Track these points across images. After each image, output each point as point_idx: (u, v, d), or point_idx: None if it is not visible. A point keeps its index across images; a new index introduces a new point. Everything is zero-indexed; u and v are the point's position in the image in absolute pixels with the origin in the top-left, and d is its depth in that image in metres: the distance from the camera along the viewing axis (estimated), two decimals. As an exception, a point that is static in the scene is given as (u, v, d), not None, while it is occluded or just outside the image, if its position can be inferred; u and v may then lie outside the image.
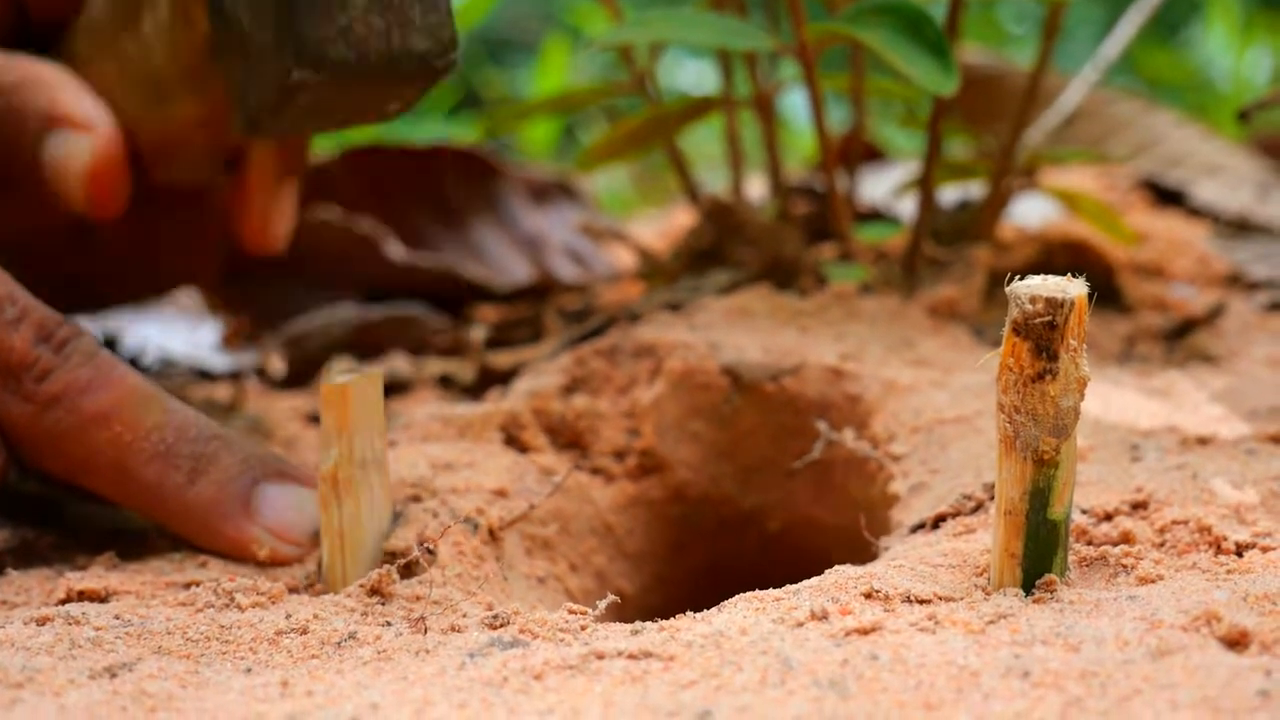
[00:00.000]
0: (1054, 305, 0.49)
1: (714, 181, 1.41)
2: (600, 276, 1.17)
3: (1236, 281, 1.02)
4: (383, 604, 0.58)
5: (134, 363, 0.97)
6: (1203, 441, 0.69)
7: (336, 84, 0.58)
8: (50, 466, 0.64)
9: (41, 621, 0.55)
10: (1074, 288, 0.50)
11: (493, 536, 0.65)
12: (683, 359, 0.78)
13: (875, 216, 1.06)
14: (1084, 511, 0.60)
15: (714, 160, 1.71)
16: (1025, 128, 0.94)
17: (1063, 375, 0.50)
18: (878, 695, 0.45)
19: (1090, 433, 0.69)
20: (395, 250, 1.04)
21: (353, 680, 0.50)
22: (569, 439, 0.77)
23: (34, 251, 0.78)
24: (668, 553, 0.79)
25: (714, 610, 0.54)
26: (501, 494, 0.68)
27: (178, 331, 1.09)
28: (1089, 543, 0.58)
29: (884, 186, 1.12)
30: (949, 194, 1.07)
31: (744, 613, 0.53)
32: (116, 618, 0.56)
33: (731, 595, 0.55)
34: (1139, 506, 0.60)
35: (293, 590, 0.61)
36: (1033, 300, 0.49)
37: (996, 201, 0.95)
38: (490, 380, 0.89)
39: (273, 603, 0.58)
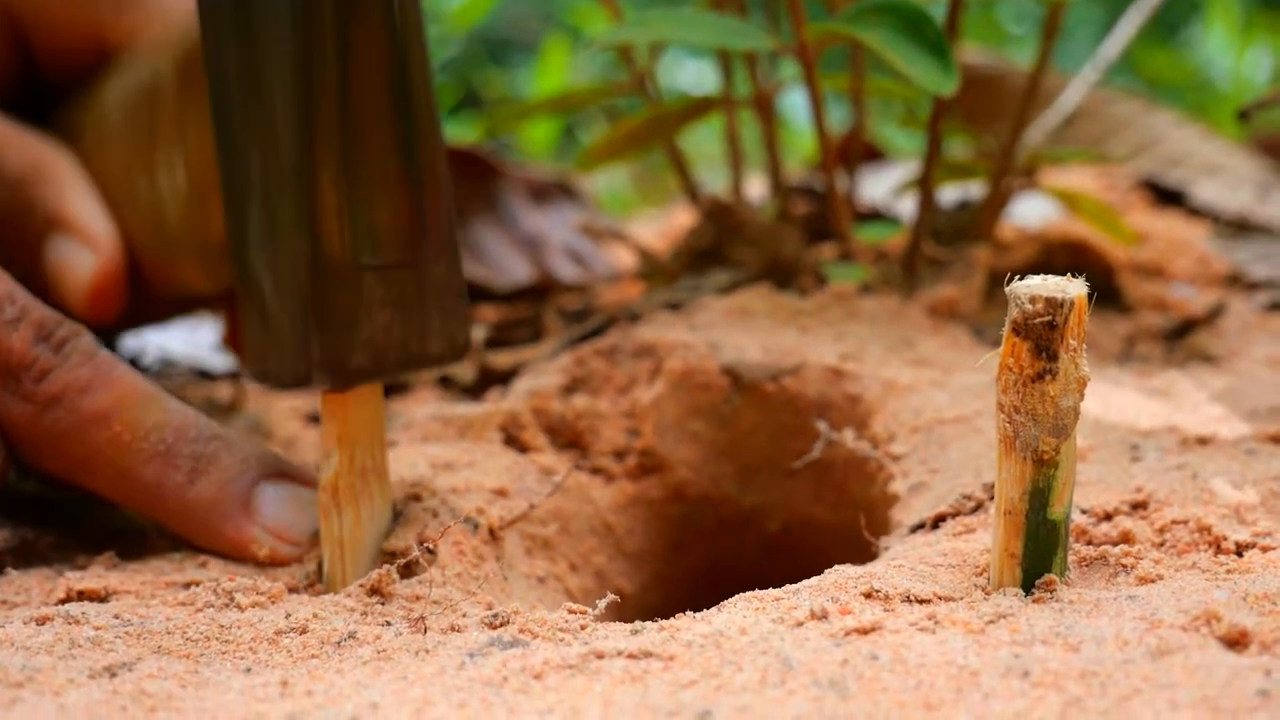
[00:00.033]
0: (1054, 305, 0.49)
1: (714, 181, 1.41)
2: (600, 276, 1.17)
3: (1236, 281, 1.02)
4: (382, 604, 0.58)
5: (134, 363, 0.97)
6: (1203, 441, 0.69)
7: (349, 372, 0.59)
8: (50, 466, 0.64)
9: (41, 621, 0.55)
10: (1074, 288, 0.50)
11: (493, 536, 0.65)
12: (683, 359, 0.78)
13: (875, 216, 1.06)
14: (1084, 511, 0.60)
15: (714, 160, 1.71)
16: (1025, 128, 0.94)
17: (1062, 375, 0.50)
18: (878, 695, 0.45)
19: (1090, 433, 0.69)
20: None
21: (352, 680, 0.50)
22: (569, 439, 0.77)
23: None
24: (667, 552, 0.79)
25: (714, 610, 0.54)
26: (501, 494, 0.68)
27: (178, 331, 1.09)
28: (1089, 542, 0.58)
29: (884, 186, 1.12)
30: (949, 194, 1.07)
31: (744, 612, 0.53)
32: (116, 617, 0.55)
33: (731, 595, 0.55)
34: (1139, 506, 0.60)
35: (292, 590, 0.61)
36: (1032, 300, 0.49)
37: (996, 201, 0.95)
38: (490, 380, 0.89)
39: (272, 602, 0.58)
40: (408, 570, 0.60)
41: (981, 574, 0.56)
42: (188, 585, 0.60)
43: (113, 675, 0.50)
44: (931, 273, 0.89)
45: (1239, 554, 0.56)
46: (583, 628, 0.54)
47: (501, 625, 0.54)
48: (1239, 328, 0.93)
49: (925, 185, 0.89)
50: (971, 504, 0.63)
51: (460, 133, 1.83)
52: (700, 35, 0.84)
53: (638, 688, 0.47)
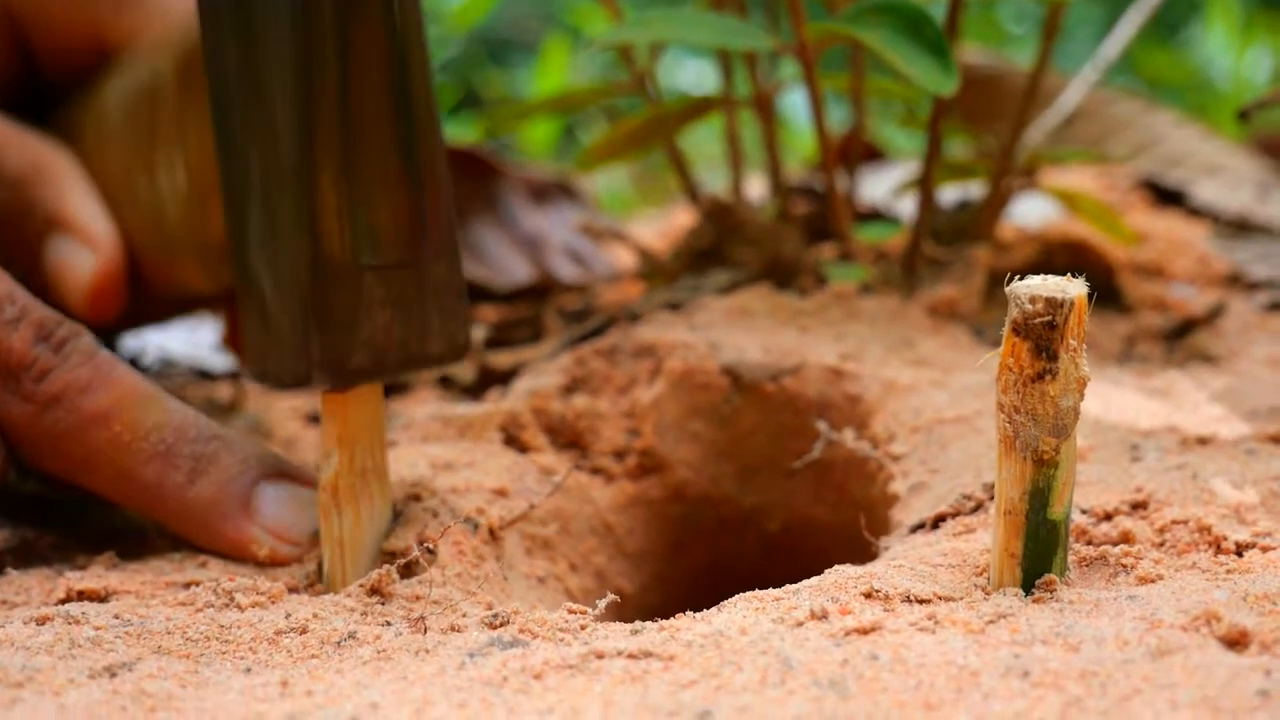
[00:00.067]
0: (1054, 305, 0.49)
1: (714, 181, 1.41)
2: (600, 276, 1.17)
3: (1236, 281, 1.02)
4: (382, 604, 0.58)
5: (134, 363, 0.97)
6: (1203, 441, 0.69)
7: (349, 371, 0.59)
8: (50, 466, 0.64)
9: (41, 621, 0.55)
10: (1074, 288, 0.50)
11: (493, 536, 0.65)
12: (683, 359, 0.78)
13: (875, 216, 1.06)
14: (1084, 511, 0.60)
15: (714, 160, 1.71)
16: (1025, 128, 0.94)
17: (1062, 375, 0.50)
18: (878, 695, 0.45)
19: (1090, 433, 0.69)
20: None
21: (352, 680, 0.50)
22: (569, 439, 0.77)
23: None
24: (667, 552, 0.79)
25: (714, 610, 0.54)
26: (501, 494, 0.68)
27: (177, 331, 1.09)
28: (1089, 542, 0.58)
29: (884, 186, 1.12)
30: (949, 194, 1.07)
31: (744, 612, 0.53)
32: (116, 617, 0.55)
33: (731, 595, 0.55)
34: (1139, 506, 0.60)
35: (292, 590, 0.61)
36: (1032, 300, 0.49)
37: (996, 201, 0.95)
38: (490, 380, 0.89)
39: (272, 602, 0.58)
40: (408, 570, 0.60)
41: (981, 574, 0.56)
42: (188, 585, 0.60)
43: (113, 675, 0.50)
44: (931, 273, 0.89)
45: (1239, 554, 0.56)
46: (583, 628, 0.54)
47: (501, 625, 0.54)
48: (1239, 328, 0.93)
49: (925, 185, 0.89)
50: (971, 504, 0.63)
51: (460, 133, 1.83)
52: (700, 35, 0.84)
53: (638, 688, 0.47)
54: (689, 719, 0.44)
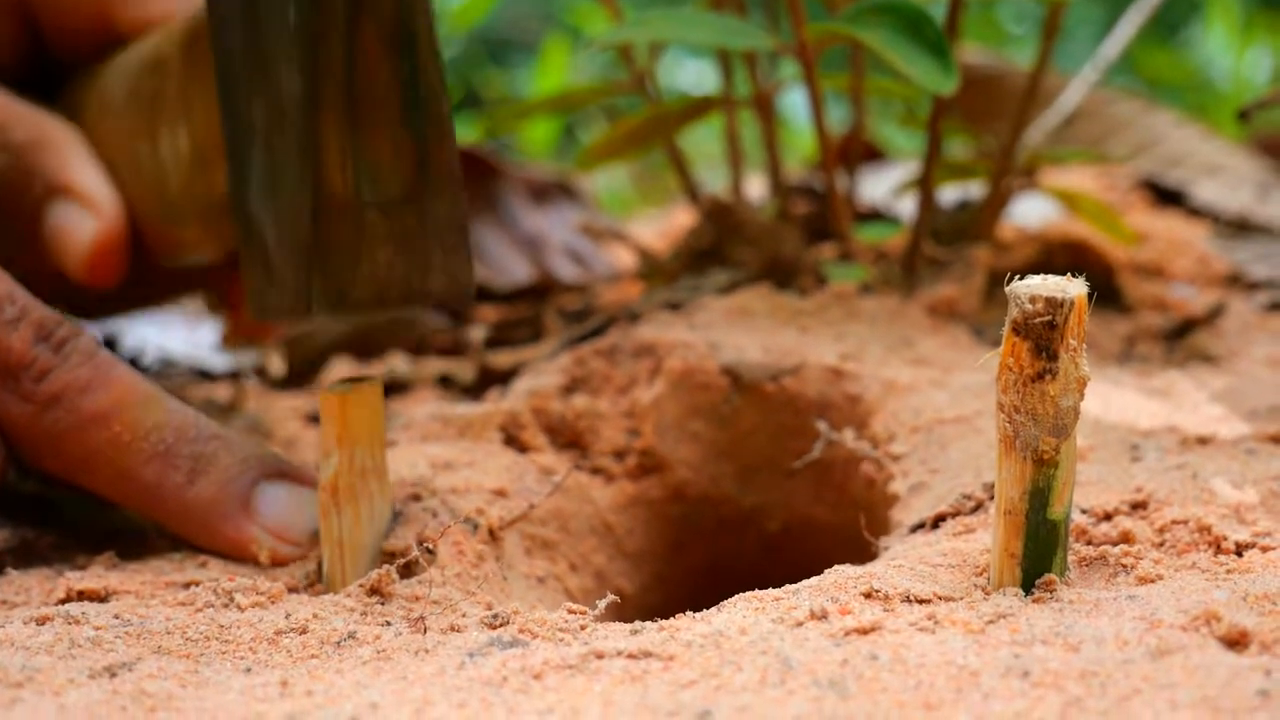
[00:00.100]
0: (1054, 305, 0.49)
1: (714, 181, 1.41)
2: (600, 276, 1.17)
3: (1236, 281, 1.02)
4: (382, 604, 0.58)
5: (134, 362, 0.97)
6: (1202, 441, 0.69)
7: (352, 309, 0.59)
8: (50, 466, 0.64)
9: (41, 621, 0.55)
10: (1074, 287, 0.50)
11: (492, 536, 0.65)
12: (682, 359, 0.78)
13: (875, 216, 1.06)
14: (1084, 511, 0.60)
15: (714, 160, 1.71)
16: (1025, 128, 0.94)
17: (1062, 375, 0.50)
18: (877, 695, 0.45)
19: (1090, 432, 0.69)
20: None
21: (352, 680, 0.50)
22: (569, 439, 0.77)
23: (39, 279, 0.78)
24: (667, 552, 0.79)
25: (714, 610, 0.54)
26: (501, 494, 0.68)
27: (177, 331, 1.09)
28: (1089, 542, 0.58)
29: (884, 186, 1.12)
30: (949, 194, 1.07)
31: (744, 612, 0.53)
32: (116, 617, 0.55)
33: (731, 595, 0.55)
34: (1139, 506, 0.60)
35: (292, 590, 0.61)
36: (1032, 300, 0.49)
37: (996, 201, 0.95)
38: (490, 380, 0.89)
39: (272, 602, 0.58)
40: (407, 570, 0.60)
41: (981, 574, 0.56)
42: (188, 585, 0.60)
43: (113, 675, 0.50)
44: (931, 272, 0.89)
45: (1239, 554, 0.56)
46: (582, 628, 0.54)
47: (501, 625, 0.54)
48: (1239, 328, 0.93)
49: (925, 185, 0.89)
50: (971, 504, 0.63)
51: (460, 132, 1.82)
52: (700, 35, 0.84)
53: (637, 688, 0.47)
54: (689, 719, 0.44)
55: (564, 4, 2.43)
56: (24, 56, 0.80)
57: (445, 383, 0.92)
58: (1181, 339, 0.90)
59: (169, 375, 0.99)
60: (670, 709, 0.45)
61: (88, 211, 0.73)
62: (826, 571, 0.56)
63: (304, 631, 0.54)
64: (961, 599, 0.53)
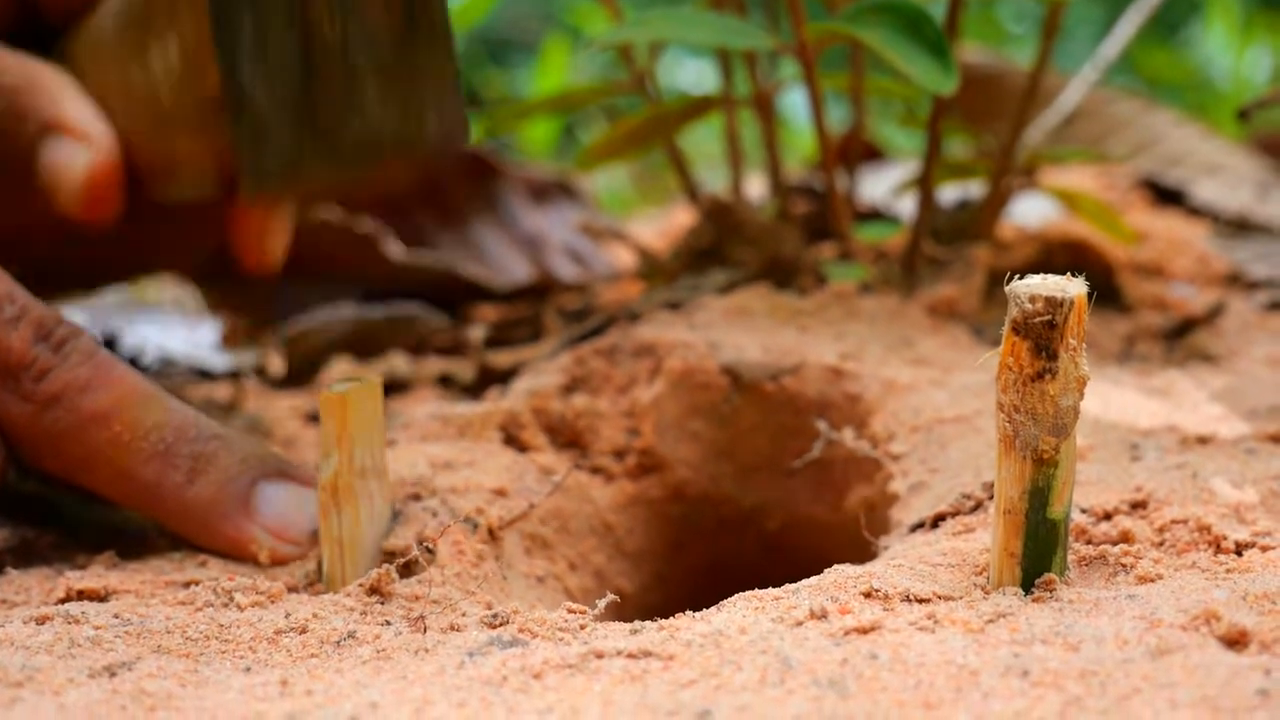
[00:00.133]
0: (1053, 304, 0.49)
1: (714, 181, 1.41)
2: (600, 276, 1.17)
3: (1236, 281, 1.02)
4: (382, 603, 0.58)
5: (133, 362, 0.97)
6: (1202, 441, 0.69)
7: (346, 164, 0.59)
8: (49, 466, 0.64)
9: (41, 620, 0.55)
10: (1073, 287, 0.50)
11: (492, 536, 0.65)
12: (682, 358, 0.78)
13: (875, 216, 1.06)
14: (1083, 511, 0.60)
15: (714, 159, 1.71)
16: (1025, 127, 0.94)
17: (1062, 374, 0.50)
18: (877, 694, 0.45)
19: (1090, 432, 0.69)
20: (395, 249, 1.04)
21: (352, 679, 0.50)
22: (568, 438, 0.77)
23: (24, 241, 0.78)
24: (667, 552, 0.79)
25: (713, 609, 0.54)
26: (501, 493, 0.68)
27: (177, 331, 1.09)
28: (1088, 542, 0.58)
29: (883, 186, 1.12)
30: (949, 193, 1.07)
31: (743, 612, 0.53)
32: (116, 617, 0.55)
33: (731, 594, 0.55)
34: (1138, 506, 0.60)
35: (292, 589, 0.61)
36: (1032, 299, 0.49)
37: (996, 201, 0.95)
38: (490, 380, 0.89)
39: (272, 602, 0.58)
40: (407, 570, 0.60)
41: (981, 573, 0.56)
42: (187, 585, 0.60)
43: (112, 675, 0.50)
44: (931, 272, 0.89)
45: (1238, 553, 0.56)
46: (582, 627, 0.54)
47: (501, 625, 0.54)
48: (1238, 327, 0.93)
49: (925, 184, 0.89)
50: (971, 503, 0.63)
51: (460, 132, 1.82)
52: (700, 34, 0.84)
53: (637, 687, 0.47)
54: (688, 718, 0.44)
55: (564, 4, 2.43)
56: (15, 20, 0.80)
57: (445, 382, 0.92)
58: (1181, 338, 0.90)
59: (169, 375, 0.99)
60: (670, 708, 0.45)
61: (80, 144, 0.73)
62: (826, 571, 0.56)
63: (304, 631, 0.54)
64: (961, 598, 0.53)
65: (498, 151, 1.28)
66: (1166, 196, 1.19)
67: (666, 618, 0.54)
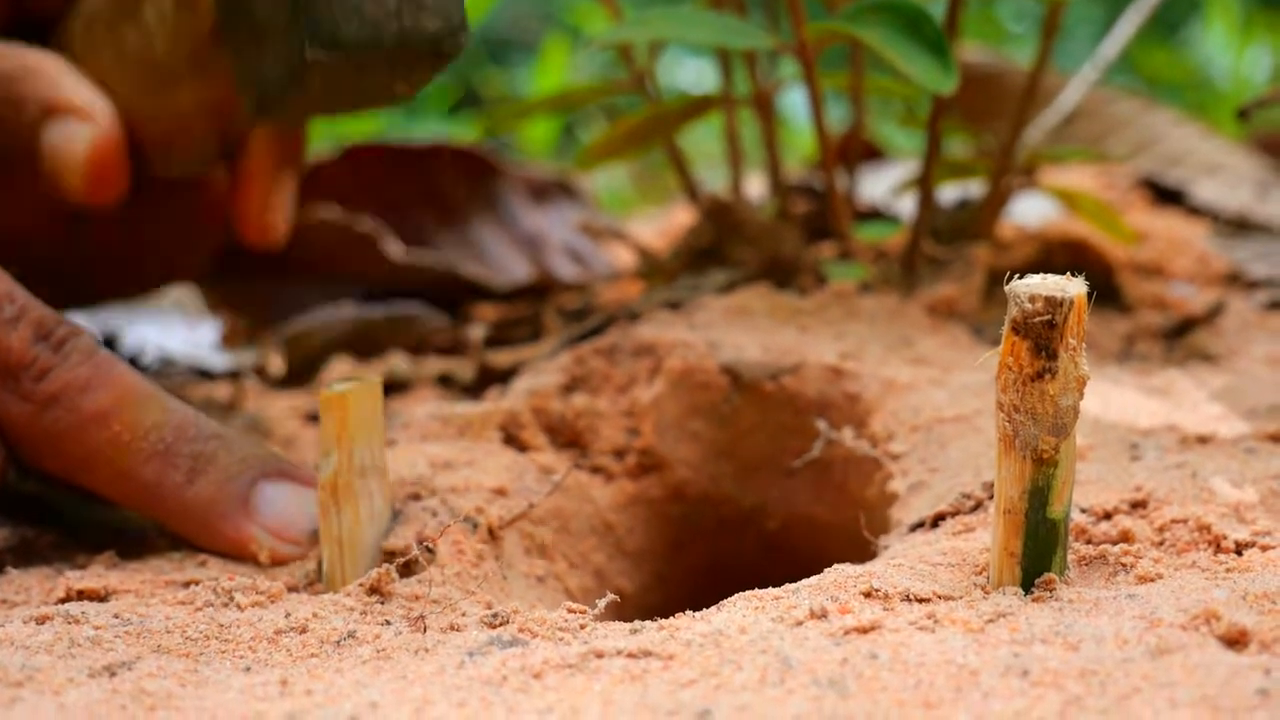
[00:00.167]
0: (1053, 304, 0.49)
1: (713, 180, 1.41)
2: (600, 275, 1.17)
3: (1236, 280, 1.02)
4: (382, 603, 0.58)
5: (133, 362, 0.97)
6: (1202, 440, 0.69)
7: (348, 64, 0.59)
8: (49, 466, 0.64)
9: (41, 620, 0.55)
10: (1073, 286, 0.50)
11: (492, 535, 0.65)
12: (682, 358, 0.78)
13: (875, 215, 1.06)
14: (1083, 510, 0.60)
15: (713, 159, 1.71)
16: (1025, 126, 0.94)
17: (1062, 374, 0.50)
18: (877, 694, 0.45)
19: (1089, 431, 0.69)
20: (395, 249, 1.04)
21: (352, 679, 0.50)
22: (568, 438, 0.77)
23: (25, 245, 0.78)
24: (667, 551, 0.79)
25: (713, 609, 0.54)
26: (501, 493, 0.68)
27: (177, 331, 1.09)
28: (1088, 541, 0.58)
29: (883, 185, 1.12)
30: (948, 193, 1.07)
31: (743, 611, 0.53)
32: (116, 616, 0.56)
33: (731, 594, 0.55)
34: (1138, 505, 0.60)
35: (292, 589, 0.61)
36: (1032, 299, 0.49)
37: (996, 200, 0.95)
38: (489, 379, 0.89)
39: (272, 602, 0.58)
40: (407, 569, 0.60)
41: (981, 573, 0.56)
42: (187, 584, 0.60)
43: (112, 674, 0.50)
44: (931, 271, 0.89)
45: (1238, 553, 0.56)
46: (582, 627, 0.54)
47: (501, 624, 0.54)
48: (1238, 326, 0.93)
49: (925, 184, 0.89)
50: (971, 503, 0.63)
51: (460, 131, 1.82)
52: (699, 34, 0.84)
53: (637, 687, 0.47)
54: (688, 718, 0.44)
55: (564, 3, 2.43)
56: (8, 20, 0.80)
57: (445, 382, 0.92)
58: (1181, 338, 0.90)
59: (168, 374, 0.99)
60: (670, 708, 0.45)
61: (81, 122, 0.73)
62: (826, 570, 0.56)
63: (304, 631, 0.54)
64: (961, 598, 0.53)
65: (498, 151, 1.28)
66: (1166, 196, 1.19)
67: (666, 617, 0.54)
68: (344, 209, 1.05)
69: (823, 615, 0.51)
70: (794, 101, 1.72)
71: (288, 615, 0.55)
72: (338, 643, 0.54)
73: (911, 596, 0.53)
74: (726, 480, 0.79)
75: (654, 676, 0.48)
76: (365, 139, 1.24)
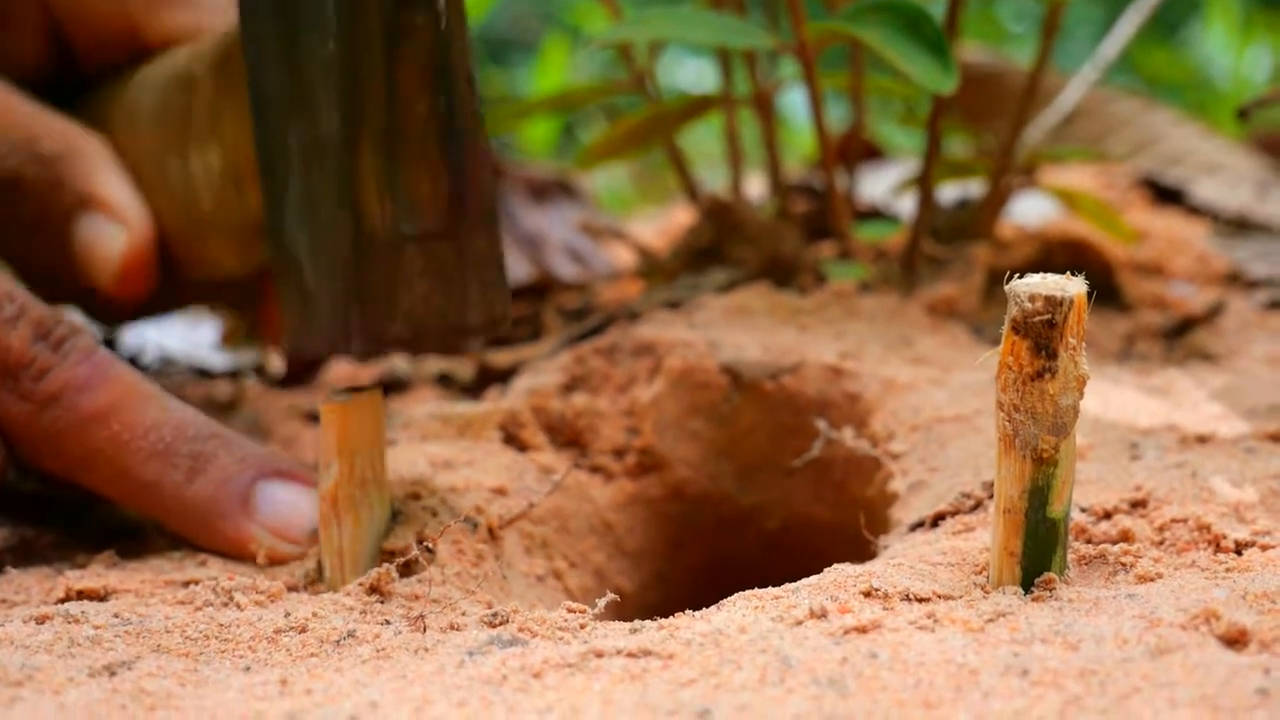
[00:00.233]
0: (1053, 303, 0.49)
1: (713, 180, 1.41)
2: (600, 275, 1.17)
3: (1236, 280, 1.02)
4: (382, 602, 0.58)
5: (133, 361, 0.97)
6: (1202, 440, 0.69)
7: (389, 341, 0.59)
8: (49, 465, 0.64)
9: (41, 620, 0.55)
10: (1073, 286, 0.50)
11: (492, 535, 0.65)
12: (682, 357, 0.78)
13: (874, 215, 1.06)
14: (1083, 510, 0.60)
15: (713, 158, 1.71)
16: (1024, 126, 0.94)
17: (1062, 373, 0.50)
18: (877, 694, 0.45)
19: (1089, 431, 0.69)
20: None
21: (352, 678, 0.50)
22: (568, 437, 0.77)
23: (54, 283, 0.78)
24: (667, 551, 0.79)
25: (713, 608, 0.54)
26: (501, 492, 0.68)
27: (176, 330, 1.09)
28: (1088, 541, 0.58)
29: (883, 185, 1.12)
30: (948, 192, 1.07)
31: (743, 611, 0.53)
32: (115, 616, 0.55)
33: (731, 593, 0.55)
34: (1138, 505, 0.60)
35: (292, 589, 0.61)
36: (1032, 298, 0.49)
37: (996, 200, 0.95)
38: (489, 379, 0.89)
39: (272, 601, 0.58)
40: (407, 569, 0.60)
41: (981, 572, 0.56)
42: (187, 584, 0.60)
43: (112, 674, 0.50)
44: (931, 271, 0.89)
45: (1238, 552, 0.56)
46: (582, 626, 0.54)
47: (501, 624, 0.54)
48: (1238, 326, 0.93)
49: (925, 183, 0.89)
50: (971, 502, 0.63)
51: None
52: (699, 34, 0.84)
53: (637, 686, 0.47)
54: (688, 717, 0.44)
55: (563, 3, 2.43)
56: (50, 66, 0.80)
57: (445, 381, 0.92)
58: (1181, 337, 0.90)
59: (168, 374, 0.99)
60: (670, 708, 0.45)
61: (117, 224, 0.73)
62: (826, 570, 0.56)
63: (303, 630, 0.54)
64: (961, 597, 0.53)
65: (497, 150, 1.28)
66: (1166, 195, 1.19)
67: (666, 617, 0.54)
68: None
69: (822, 615, 0.51)
70: (794, 101, 1.72)
71: (287, 615, 0.55)
72: (337, 642, 0.54)
73: (911, 596, 0.53)
74: (726, 480, 0.79)
75: (654, 676, 0.48)
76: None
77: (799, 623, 0.51)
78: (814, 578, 0.56)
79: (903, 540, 0.63)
